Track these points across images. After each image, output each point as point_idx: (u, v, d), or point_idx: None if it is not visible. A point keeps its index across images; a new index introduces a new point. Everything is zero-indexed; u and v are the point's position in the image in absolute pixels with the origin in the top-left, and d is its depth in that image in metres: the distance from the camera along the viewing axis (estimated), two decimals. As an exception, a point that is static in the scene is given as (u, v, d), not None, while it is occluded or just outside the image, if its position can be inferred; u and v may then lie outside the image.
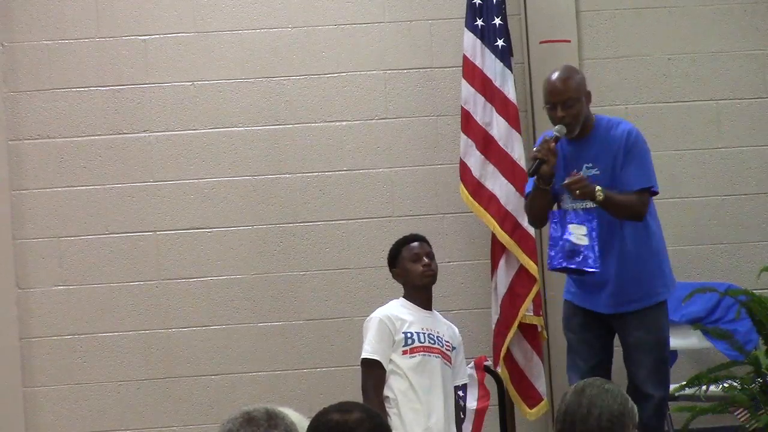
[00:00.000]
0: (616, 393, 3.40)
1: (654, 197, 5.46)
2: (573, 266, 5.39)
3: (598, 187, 5.26)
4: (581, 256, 5.32)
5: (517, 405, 6.62)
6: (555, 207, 5.51)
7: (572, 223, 5.34)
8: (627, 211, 5.37)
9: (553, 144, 5.31)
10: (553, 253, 5.40)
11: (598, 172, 5.40)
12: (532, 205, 5.55)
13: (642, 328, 5.50)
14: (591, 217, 5.34)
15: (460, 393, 5.51)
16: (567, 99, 5.36)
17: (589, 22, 7.03)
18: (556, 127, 5.37)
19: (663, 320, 5.58)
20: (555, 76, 5.44)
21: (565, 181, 5.28)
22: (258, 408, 2.73)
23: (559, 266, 5.46)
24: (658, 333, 5.54)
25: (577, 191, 5.25)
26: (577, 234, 5.32)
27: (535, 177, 5.35)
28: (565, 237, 5.33)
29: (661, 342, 5.56)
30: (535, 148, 5.40)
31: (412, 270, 5.43)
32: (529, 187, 5.52)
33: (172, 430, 6.87)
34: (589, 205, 5.35)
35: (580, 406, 3.38)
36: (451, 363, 5.41)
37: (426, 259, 5.43)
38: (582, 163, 5.43)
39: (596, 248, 5.30)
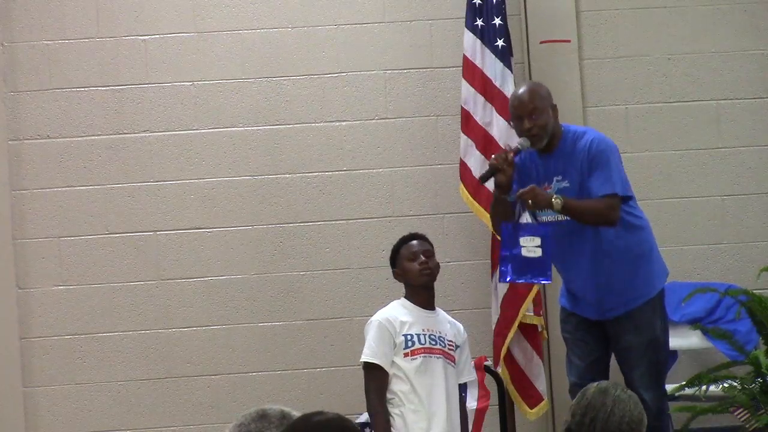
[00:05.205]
0: (636, 400, 3.51)
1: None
2: (523, 281, 5.44)
3: (555, 195, 5.25)
4: (532, 270, 5.31)
5: (518, 405, 6.62)
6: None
7: (524, 235, 5.30)
8: (592, 217, 5.32)
9: (512, 155, 5.30)
10: (503, 268, 5.39)
11: (568, 185, 5.39)
12: (493, 214, 5.59)
13: (633, 329, 5.46)
14: (545, 227, 5.31)
15: (463, 394, 5.51)
16: (533, 109, 5.33)
17: (589, 22, 7.03)
18: (520, 139, 5.37)
19: (655, 319, 5.50)
20: (520, 89, 5.48)
21: (517, 193, 5.27)
22: (274, 407, 2.78)
23: (510, 281, 5.53)
24: (651, 333, 5.48)
25: (529, 201, 5.22)
26: (529, 246, 5.28)
27: (495, 187, 5.36)
28: (515, 252, 5.29)
29: (654, 342, 5.49)
30: (492, 156, 5.41)
31: (410, 269, 5.41)
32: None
33: (172, 430, 6.88)
34: (560, 217, 5.33)
35: (604, 404, 3.46)
36: (454, 362, 5.40)
37: (423, 257, 5.41)
38: (552, 176, 5.43)
39: (549, 259, 5.29)
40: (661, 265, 5.60)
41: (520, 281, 5.49)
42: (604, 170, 5.34)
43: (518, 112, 5.39)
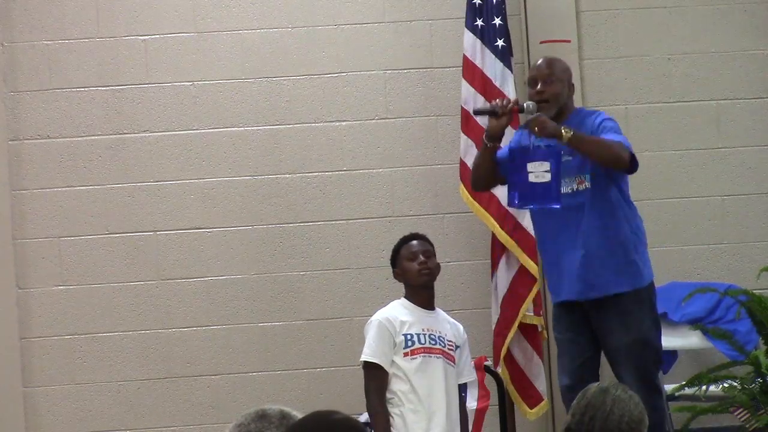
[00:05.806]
0: (637, 400, 3.54)
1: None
2: (531, 207, 5.35)
3: (564, 126, 5.15)
4: (541, 195, 5.17)
5: (518, 405, 6.62)
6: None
7: (532, 160, 5.16)
8: (603, 150, 5.19)
9: (515, 107, 5.27)
10: (512, 193, 5.28)
11: (570, 158, 5.28)
12: (475, 163, 5.55)
13: (620, 325, 5.29)
14: (553, 152, 5.17)
15: (463, 394, 5.50)
16: (549, 75, 5.37)
17: (589, 22, 7.03)
18: (528, 101, 5.33)
19: (643, 317, 5.33)
20: (541, 59, 5.52)
21: (525, 123, 5.21)
22: (273, 407, 2.80)
23: (519, 206, 5.46)
24: (638, 332, 5.30)
25: (536, 128, 5.12)
26: (537, 172, 5.14)
27: (485, 135, 5.34)
28: (523, 177, 5.15)
29: (642, 342, 5.32)
30: (496, 99, 5.43)
31: (409, 269, 5.42)
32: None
33: (172, 430, 6.88)
34: (565, 189, 5.26)
35: (604, 403, 3.49)
36: (454, 362, 5.40)
37: (422, 257, 5.42)
38: None
39: (558, 184, 5.16)
40: (649, 266, 5.42)
41: (528, 207, 5.41)
42: (613, 133, 5.27)
43: (533, 75, 5.42)
